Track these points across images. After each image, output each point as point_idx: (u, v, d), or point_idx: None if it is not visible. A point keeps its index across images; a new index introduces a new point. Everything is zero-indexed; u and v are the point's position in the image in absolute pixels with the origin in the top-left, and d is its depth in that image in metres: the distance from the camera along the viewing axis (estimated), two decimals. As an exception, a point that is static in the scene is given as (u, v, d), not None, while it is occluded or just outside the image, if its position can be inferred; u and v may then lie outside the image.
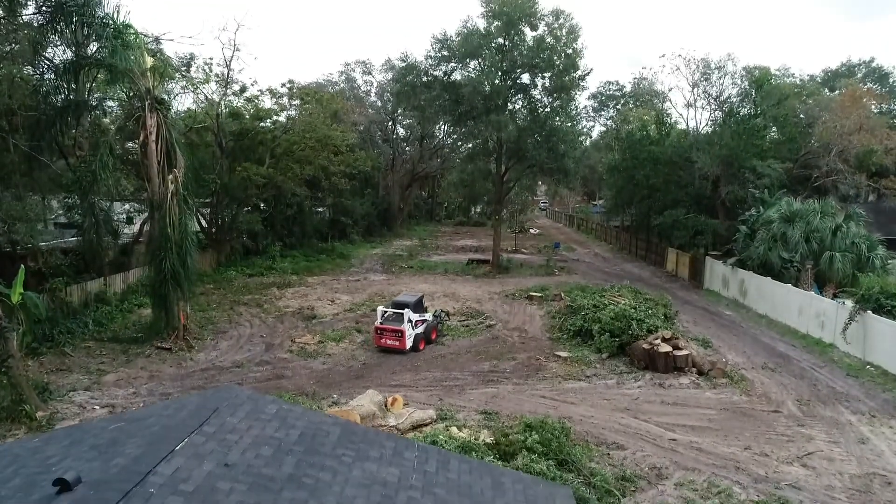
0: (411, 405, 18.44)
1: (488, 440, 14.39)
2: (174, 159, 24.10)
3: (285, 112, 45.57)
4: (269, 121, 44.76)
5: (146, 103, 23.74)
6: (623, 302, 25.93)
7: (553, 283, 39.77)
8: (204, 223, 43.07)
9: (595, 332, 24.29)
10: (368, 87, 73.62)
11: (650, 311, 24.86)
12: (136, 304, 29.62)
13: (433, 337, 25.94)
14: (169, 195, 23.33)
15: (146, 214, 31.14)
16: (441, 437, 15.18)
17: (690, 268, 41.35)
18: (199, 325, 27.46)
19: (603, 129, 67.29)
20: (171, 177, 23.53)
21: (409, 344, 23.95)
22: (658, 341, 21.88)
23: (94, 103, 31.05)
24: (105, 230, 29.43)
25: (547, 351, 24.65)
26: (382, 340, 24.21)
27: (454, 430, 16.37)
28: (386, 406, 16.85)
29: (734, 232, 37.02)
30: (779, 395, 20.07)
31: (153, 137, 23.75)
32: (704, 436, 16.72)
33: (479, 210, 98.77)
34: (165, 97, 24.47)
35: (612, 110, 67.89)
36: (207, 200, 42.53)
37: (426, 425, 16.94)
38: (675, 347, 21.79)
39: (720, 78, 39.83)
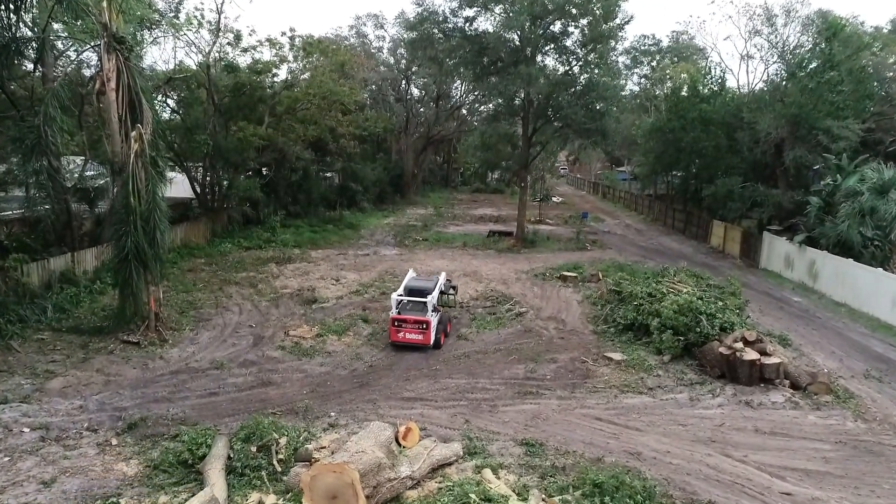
0: (430, 432, 14.25)
1: (543, 510, 10.12)
2: (139, 113, 19.60)
3: (286, 65, 40.64)
4: (269, 75, 39.93)
5: (102, 42, 19.19)
6: (685, 290, 21.38)
7: (586, 259, 35.28)
8: (198, 189, 38.75)
9: (653, 329, 19.85)
10: (381, 43, 68.48)
11: (721, 304, 20.29)
12: (110, 284, 25.32)
13: (448, 328, 21.82)
14: (132, 156, 18.91)
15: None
16: (473, 494, 10.94)
17: (742, 244, 36.53)
18: (179, 311, 23.38)
19: (636, 87, 61.54)
20: (134, 134, 19.06)
21: (433, 338, 19.91)
22: (739, 345, 17.39)
23: (59, 46, 26.68)
24: (60, 197, 25.00)
25: (593, 350, 20.27)
26: (401, 335, 19.94)
27: (488, 474, 12.15)
28: (397, 440, 12.62)
29: (799, 204, 32.15)
30: (903, 419, 15.64)
31: (112, 85, 19.24)
32: (827, 486, 12.35)
33: (496, 176, 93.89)
34: (128, 36, 19.81)
35: (646, 67, 62.10)
36: (200, 164, 38.22)
37: (450, 464, 12.75)
38: (763, 353, 17.31)
39: (787, 24, 34.33)
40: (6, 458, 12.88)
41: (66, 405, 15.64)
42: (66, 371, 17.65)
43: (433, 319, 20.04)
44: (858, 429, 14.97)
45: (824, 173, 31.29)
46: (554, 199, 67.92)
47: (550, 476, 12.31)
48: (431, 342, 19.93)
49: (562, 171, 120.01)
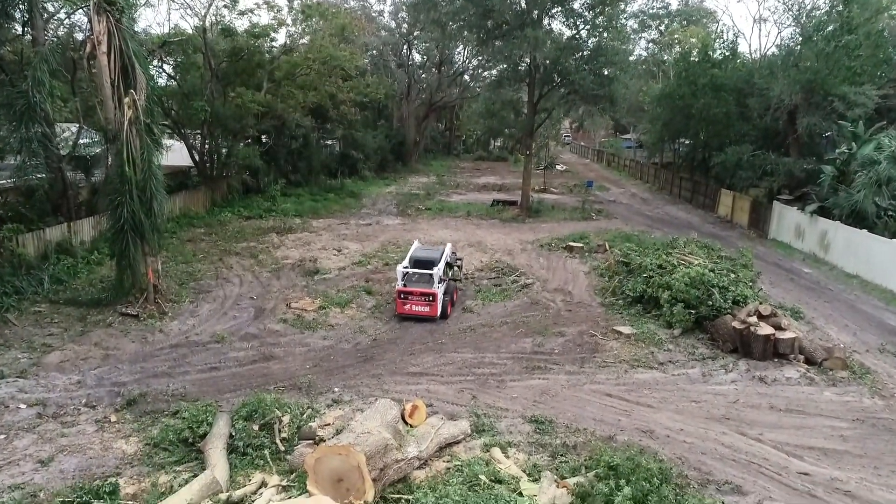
0: (436, 408, 13.89)
1: (557, 493, 9.73)
2: (132, 78, 18.82)
3: (285, 28, 39.47)
4: (267, 39, 38.74)
5: (92, 3, 18.29)
6: (697, 262, 20.84)
7: (592, 229, 34.69)
8: (196, 157, 37.93)
9: (664, 302, 19.37)
10: (382, 6, 66.87)
11: (733, 276, 19.76)
12: (108, 255, 24.74)
13: (455, 297, 21.52)
14: (126, 123, 18.21)
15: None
16: (483, 475, 10.61)
17: (751, 214, 35.85)
18: (179, 283, 22.95)
19: (643, 53, 59.94)
20: (127, 100, 18.33)
21: (440, 310, 19.67)
22: (754, 319, 16.93)
23: (50, 8, 25.68)
24: (54, 165, 24.35)
25: (602, 323, 19.84)
26: (407, 307, 19.71)
27: (497, 453, 11.82)
28: (403, 418, 12.25)
29: (811, 173, 31.41)
30: (921, 396, 15.24)
31: (103, 49, 18.40)
32: (846, 467, 12.00)
33: (499, 144, 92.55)
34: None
35: (654, 31, 60.41)
36: (198, 132, 37.37)
37: (457, 443, 12.41)
38: (777, 327, 16.86)
39: (805, -16, 33.00)
40: (2, 436, 12.56)
41: (63, 380, 15.28)
42: (64, 345, 17.27)
43: (439, 291, 19.64)
44: (876, 406, 14.58)
45: (838, 141, 30.39)
46: (558, 167, 67.02)
47: (561, 455, 11.98)
48: (438, 314, 19.62)
49: (565, 138, 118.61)
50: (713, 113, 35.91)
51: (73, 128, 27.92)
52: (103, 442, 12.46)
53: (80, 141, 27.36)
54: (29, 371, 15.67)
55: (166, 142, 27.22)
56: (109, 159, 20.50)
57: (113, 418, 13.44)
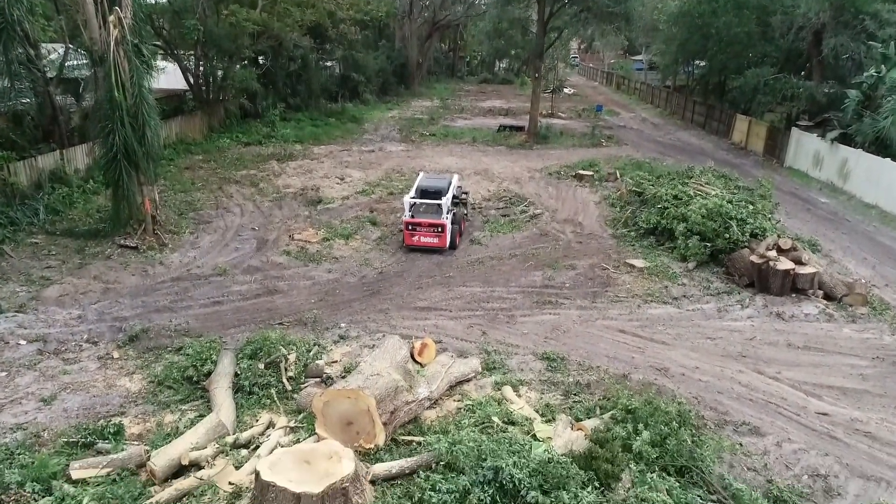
0: (445, 345, 13.55)
1: (573, 436, 9.43)
2: (116, -7, 17.48)
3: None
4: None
5: None
6: (714, 193, 20.05)
7: (602, 156, 33.59)
8: (191, 80, 36.36)
9: (679, 234, 18.74)
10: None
11: (752, 208, 19.02)
12: (103, 184, 24.08)
13: (463, 226, 20.92)
14: (112, 44, 17.01)
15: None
16: (495, 417, 10.34)
17: (767, 140, 34.59)
18: (178, 213, 22.32)
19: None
20: (112, 18, 17.05)
21: (449, 240, 19.17)
22: (773, 253, 16.34)
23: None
24: (41, 88, 23.24)
25: (614, 256, 19.29)
26: (416, 238, 19.20)
27: (508, 392, 11.55)
28: (412, 356, 11.91)
29: (832, 98, 30.00)
30: (942, 332, 14.85)
31: (83, -41, 17.01)
32: (866, 407, 11.73)
33: (504, 66, 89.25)
34: None
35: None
36: (191, 53, 35.62)
37: (468, 381, 12.13)
38: (797, 262, 16.30)
39: None
40: (3, 374, 12.29)
41: (63, 315, 14.94)
42: (63, 278, 16.84)
43: (448, 221, 19.03)
44: (896, 343, 14.25)
45: (865, 63, 28.81)
46: (566, 90, 64.73)
47: (574, 394, 11.72)
48: (447, 245, 19.11)
49: (573, 60, 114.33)
50: (734, 32, 33.92)
51: (60, 49, 26.53)
52: (106, 379, 12.21)
53: (68, 63, 26.00)
54: (28, 305, 15.31)
55: (159, 63, 25.91)
56: (97, 83, 19.32)
57: (115, 355, 13.16)
